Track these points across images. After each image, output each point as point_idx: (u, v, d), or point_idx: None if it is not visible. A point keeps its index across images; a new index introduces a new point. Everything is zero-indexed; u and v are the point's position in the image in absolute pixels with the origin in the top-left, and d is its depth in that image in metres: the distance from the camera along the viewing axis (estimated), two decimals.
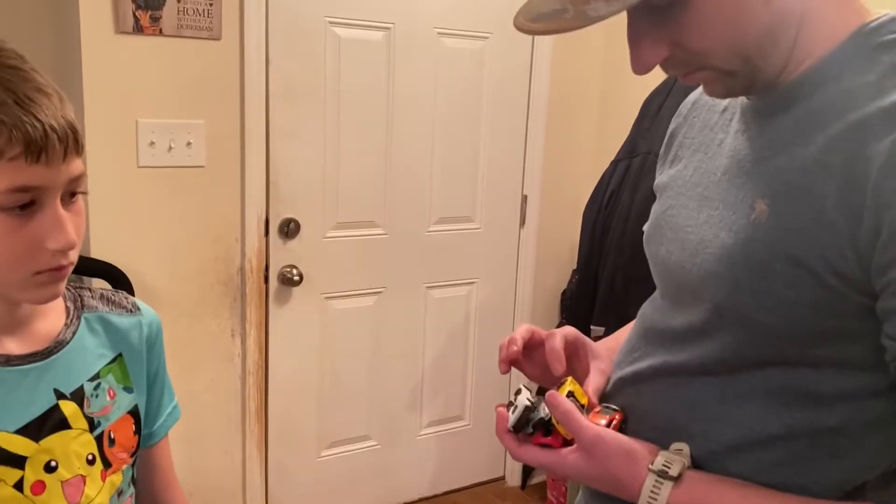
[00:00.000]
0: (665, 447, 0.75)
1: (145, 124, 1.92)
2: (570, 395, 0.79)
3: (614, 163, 2.28)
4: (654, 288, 1.04)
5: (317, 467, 2.38)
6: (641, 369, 0.80)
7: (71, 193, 0.72)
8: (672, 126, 0.92)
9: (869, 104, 0.62)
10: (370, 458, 2.48)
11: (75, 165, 0.71)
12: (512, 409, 0.78)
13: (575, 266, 2.51)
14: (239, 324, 2.15)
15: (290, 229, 2.17)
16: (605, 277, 2.23)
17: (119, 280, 1.87)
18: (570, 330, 0.91)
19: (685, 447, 0.74)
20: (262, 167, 2.09)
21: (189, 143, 1.98)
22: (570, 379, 0.82)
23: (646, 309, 0.87)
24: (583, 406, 0.79)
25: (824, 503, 0.65)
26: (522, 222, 2.62)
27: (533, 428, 0.78)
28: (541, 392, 0.83)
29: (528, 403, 0.77)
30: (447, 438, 2.63)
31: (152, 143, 1.94)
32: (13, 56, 0.70)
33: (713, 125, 0.82)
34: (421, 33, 2.28)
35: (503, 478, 2.79)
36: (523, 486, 2.77)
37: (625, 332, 0.95)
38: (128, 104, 1.89)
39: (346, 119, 2.21)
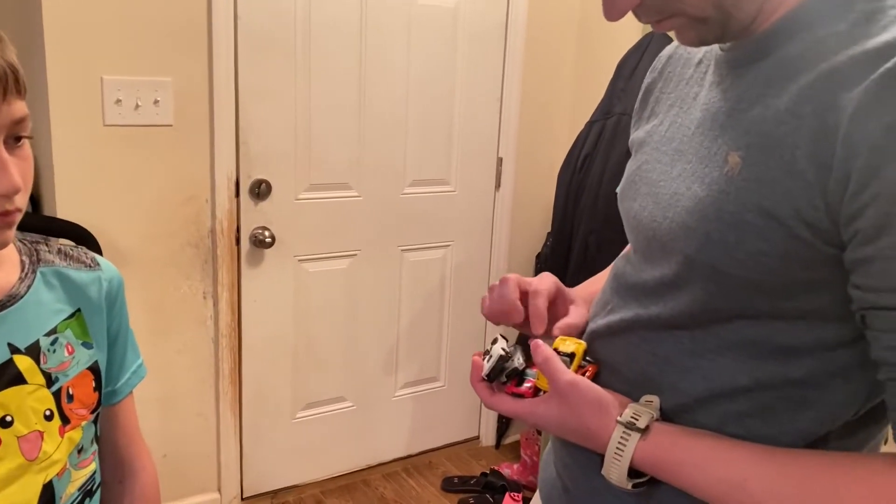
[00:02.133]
0: (636, 399, 0.74)
1: (111, 81, 1.85)
2: (556, 350, 0.78)
3: (589, 124, 2.26)
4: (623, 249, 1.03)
5: (292, 429, 2.38)
6: (613, 322, 0.80)
7: (16, 138, 0.69)
8: (647, 81, 0.90)
9: (840, 53, 0.61)
10: (346, 420, 2.48)
11: (17, 107, 0.68)
12: (487, 358, 0.77)
13: (550, 229, 2.50)
14: (211, 286, 2.11)
15: (261, 190, 2.13)
16: (579, 239, 2.23)
17: (87, 241, 1.83)
18: (550, 283, 0.89)
19: (655, 399, 0.73)
20: (231, 126, 2.03)
21: (156, 101, 1.92)
22: (561, 338, 0.81)
23: (619, 263, 0.86)
24: (567, 357, 0.78)
25: (790, 452, 0.65)
26: (498, 185, 2.60)
27: (507, 377, 0.77)
28: (519, 341, 0.82)
29: (502, 353, 0.76)
30: (423, 399, 2.64)
31: (118, 101, 1.88)
32: None
33: (688, 79, 0.81)
34: None
35: (478, 437, 2.81)
36: (497, 445, 2.79)
37: (601, 279, 0.94)
38: (92, 61, 1.83)
39: (318, 78, 2.16)
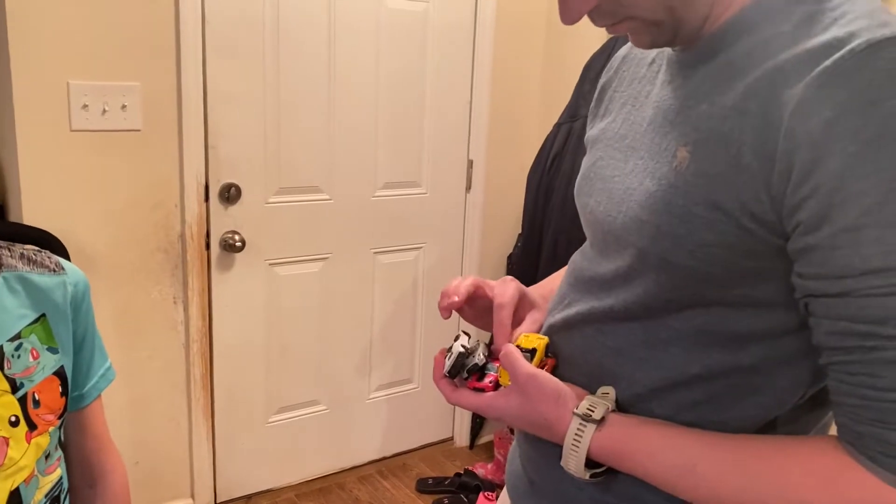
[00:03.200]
0: (593, 390, 0.76)
1: (77, 86, 1.84)
2: (518, 346, 0.80)
3: (556, 126, 2.29)
4: None
5: (265, 433, 2.37)
6: (570, 316, 0.82)
7: None
8: (602, 80, 0.93)
9: (784, 52, 0.64)
10: (319, 423, 2.48)
11: None
12: (448, 355, 0.79)
13: (520, 230, 2.53)
14: (181, 291, 2.10)
15: (230, 194, 2.13)
16: (549, 240, 2.26)
17: (54, 247, 1.81)
18: (513, 292, 0.90)
19: (611, 391, 0.76)
20: (200, 130, 2.03)
21: (124, 106, 1.91)
22: (524, 334, 0.83)
23: (576, 258, 0.88)
24: (528, 353, 0.79)
25: (739, 437, 0.67)
26: (469, 187, 2.62)
27: (467, 373, 0.79)
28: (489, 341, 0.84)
29: (461, 349, 0.78)
30: (396, 401, 2.65)
31: (85, 106, 1.86)
32: None
33: (641, 77, 0.83)
34: None
35: (452, 438, 2.83)
36: (471, 445, 2.81)
37: (558, 277, 0.96)
38: (58, 65, 1.81)
39: (287, 82, 2.16)
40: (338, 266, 2.40)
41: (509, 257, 2.70)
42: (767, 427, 0.70)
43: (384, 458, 2.66)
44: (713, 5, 0.70)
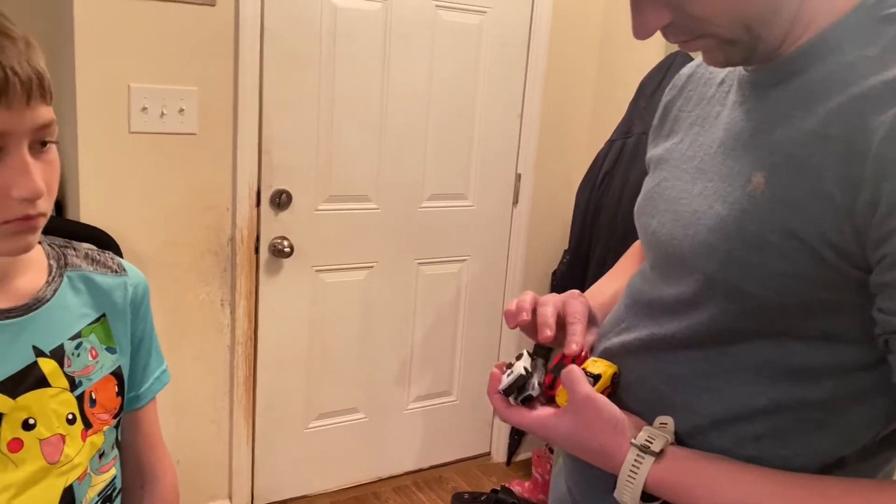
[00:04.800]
0: (650, 419, 0.74)
1: (138, 89, 1.88)
2: (585, 369, 0.78)
3: (609, 143, 2.26)
4: None
5: (304, 438, 2.38)
6: (628, 341, 0.79)
7: (42, 143, 0.70)
8: (666, 99, 0.91)
9: (871, 77, 0.61)
10: (357, 431, 2.48)
11: (42, 112, 0.68)
12: (508, 372, 0.77)
13: (567, 246, 2.50)
14: (229, 294, 2.13)
15: (281, 200, 2.15)
16: (596, 257, 2.22)
17: (108, 246, 1.85)
18: (563, 296, 0.89)
19: (670, 421, 0.73)
20: (254, 136, 2.06)
21: (181, 110, 1.95)
22: (593, 359, 0.81)
23: (634, 280, 0.86)
24: (592, 378, 0.77)
25: (803, 476, 0.64)
26: (515, 201, 2.60)
27: (523, 400, 0.77)
28: (538, 353, 0.82)
29: (523, 372, 0.76)
30: (434, 413, 2.64)
31: (144, 109, 1.90)
32: None
33: (710, 98, 0.81)
34: (418, 5, 2.24)
35: (489, 454, 2.80)
36: (508, 462, 2.78)
37: (610, 284, 0.94)
38: (120, 69, 1.86)
39: (341, 91, 2.18)
40: (382, 275, 2.40)
41: (554, 273, 2.67)
42: (834, 466, 0.67)
43: (420, 470, 2.65)
44: (792, 25, 0.68)
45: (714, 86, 0.81)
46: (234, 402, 2.20)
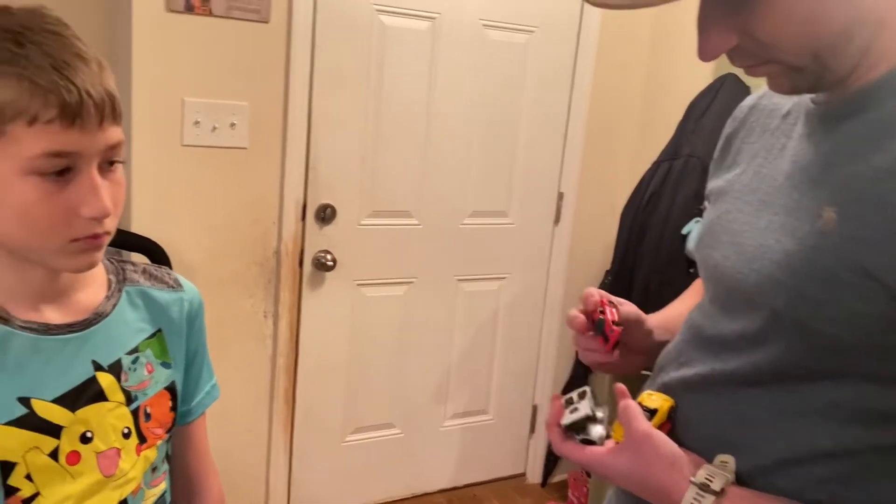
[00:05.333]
0: (710, 458, 0.72)
1: (191, 103, 1.91)
2: (640, 404, 0.76)
3: (655, 164, 2.24)
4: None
5: (341, 452, 2.38)
6: (688, 376, 0.77)
7: (110, 162, 0.71)
8: (728, 130, 0.89)
9: None
10: (393, 447, 2.47)
11: (112, 133, 0.70)
12: (571, 408, 0.76)
13: (608, 267, 2.47)
14: (272, 305, 2.14)
15: (326, 215, 2.16)
16: (640, 279, 2.19)
17: (158, 256, 1.87)
18: (634, 309, 0.90)
19: (731, 460, 0.71)
20: (302, 152, 2.08)
21: (233, 125, 1.98)
22: (648, 392, 0.79)
23: (693, 314, 0.84)
24: (649, 412, 0.75)
25: None
26: (557, 220, 2.58)
27: (582, 441, 0.75)
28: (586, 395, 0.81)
29: (589, 413, 0.75)
30: (470, 431, 2.61)
31: (197, 123, 1.94)
32: (55, 22, 0.69)
33: (774, 129, 0.79)
34: (466, 24, 2.25)
35: (524, 474, 2.76)
36: (544, 483, 2.74)
37: (674, 312, 0.93)
38: (175, 83, 1.89)
39: (387, 108, 2.19)
40: (422, 291, 2.40)
41: None
42: None
43: (455, 488, 2.63)
44: (863, 57, 0.65)
45: (778, 117, 0.79)
46: (273, 413, 2.21)
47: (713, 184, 0.87)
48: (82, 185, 0.68)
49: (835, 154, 0.68)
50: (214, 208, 2.00)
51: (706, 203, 0.89)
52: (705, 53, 0.68)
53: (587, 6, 2.41)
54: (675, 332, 0.89)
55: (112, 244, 1.87)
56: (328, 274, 2.21)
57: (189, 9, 1.86)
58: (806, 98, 0.74)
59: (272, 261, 2.11)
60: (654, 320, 0.93)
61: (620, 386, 0.75)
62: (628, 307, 0.89)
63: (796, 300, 0.65)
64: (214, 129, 1.96)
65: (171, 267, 1.90)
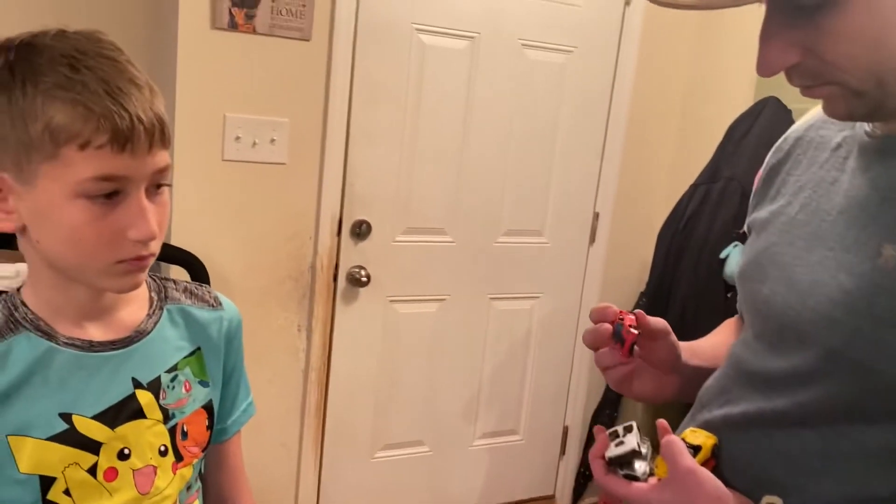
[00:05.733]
0: (757, 498, 0.69)
1: (233, 119, 1.94)
2: (684, 440, 0.74)
3: (693, 186, 2.20)
4: (724, 318, 0.97)
5: (370, 468, 2.37)
6: (734, 415, 0.75)
7: (156, 185, 0.72)
8: (771, 161, 0.86)
9: None
10: (422, 464, 2.45)
11: (161, 157, 0.70)
12: (616, 441, 0.74)
13: (643, 288, 2.43)
14: (306, 319, 2.15)
15: (361, 230, 2.16)
16: (677, 303, 2.15)
17: (196, 268, 1.89)
18: (663, 324, 0.85)
19: (778, 501, 0.68)
20: (339, 168, 2.08)
21: (273, 140, 1.99)
22: (692, 429, 0.77)
23: (737, 349, 0.81)
24: (693, 449, 0.73)
25: None
26: (592, 240, 2.55)
27: (626, 476, 0.73)
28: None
29: (635, 447, 0.73)
30: (500, 451, 2.58)
31: (238, 138, 1.96)
32: (110, 47, 0.70)
33: (823, 162, 0.76)
34: (505, 44, 2.24)
35: (553, 496, 2.72)
36: None
37: (704, 343, 0.90)
38: (217, 98, 1.92)
39: (425, 125, 2.19)
40: (454, 308, 2.38)
41: None
42: None
43: None
44: None
45: (828, 150, 0.77)
46: (304, 426, 2.20)
47: (756, 214, 0.84)
48: (130, 208, 0.69)
49: (892, 189, 0.65)
50: (252, 222, 2.02)
51: (747, 233, 0.87)
52: (764, 68, 0.65)
53: (626, 27, 2.39)
54: (703, 359, 0.87)
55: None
56: (362, 289, 2.21)
57: (233, 26, 1.89)
58: (859, 131, 0.72)
59: (307, 275, 2.12)
60: (682, 343, 0.90)
61: (662, 422, 0.73)
62: (654, 319, 0.85)
63: (854, 339, 0.63)
64: (255, 144, 1.97)
65: (208, 280, 1.92)
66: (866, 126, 0.71)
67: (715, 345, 0.92)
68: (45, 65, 0.66)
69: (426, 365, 2.38)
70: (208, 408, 0.84)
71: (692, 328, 2.21)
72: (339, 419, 2.27)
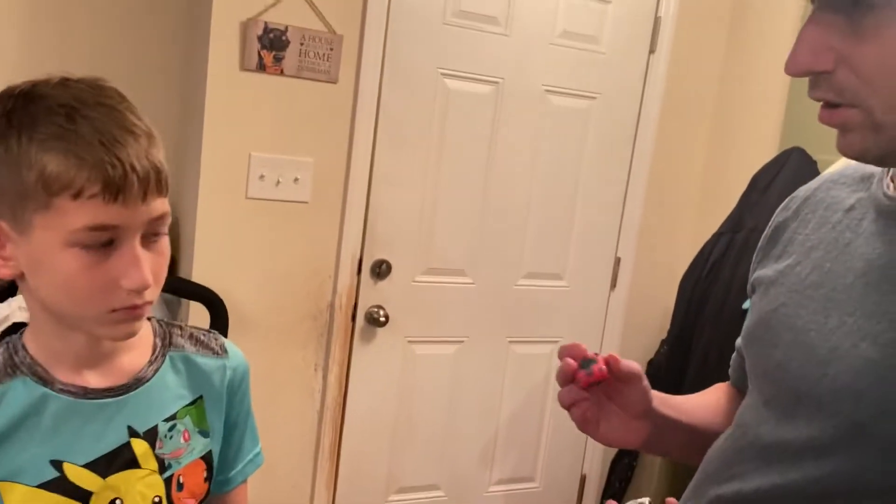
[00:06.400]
0: None
1: (258, 158, 1.92)
2: None
3: (717, 235, 2.13)
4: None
5: None
6: (746, 491, 0.68)
7: (153, 233, 0.69)
8: (778, 219, 0.81)
9: None
10: None
11: (156, 206, 0.68)
12: None
13: (665, 336, 2.35)
14: (323, 359, 2.10)
15: (381, 270, 2.12)
16: (698, 351, 2.07)
17: (216, 306, 1.86)
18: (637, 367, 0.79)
19: None
20: (362, 208, 2.06)
21: (296, 179, 1.98)
22: None
23: (745, 417, 0.75)
24: None
25: None
26: (613, 285, 2.48)
27: None
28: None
29: None
30: (516, 498, 2.48)
31: (262, 177, 1.94)
32: (111, 95, 0.68)
33: (835, 223, 0.71)
34: (529, 89, 2.22)
35: None
36: None
37: (680, 398, 0.85)
38: (243, 138, 1.91)
39: (447, 168, 2.16)
40: (473, 351, 2.32)
41: (650, 362, 2.50)
42: None
43: None
44: None
45: (840, 211, 0.71)
46: (317, 468, 2.14)
47: (761, 273, 0.79)
48: (124, 257, 0.67)
49: None
50: (273, 260, 1.99)
51: (751, 292, 0.81)
52: (792, 66, 0.60)
53: (651, 74, 2.36)
54: (676, 411, 0.81)
55: (171, 292, 1.84)
56: (380, 329, 2.16)
57: (262, 68, 1.89)
58: (876, 192, 0.67)
59: (325, 314, 2.08)
60: (656, 392, 0.84)
61: (671, 500, 0.67)
62: (627, 361, 0.80)
63: (882, 413, 0.58)
64: (279, 183, 1.96)
65: (227, 317, 1.89)
66: (884, 188, 0.66)
67: (693, 402, 0.88)
68: (42, 114, 0.65)
69: (443, 407, 2.31)
70: (207, 459, 0.79)
71: (714, 377, 2.11)
72: (352, 461, 2.20)
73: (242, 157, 1.91)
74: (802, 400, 0.65)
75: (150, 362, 0.77)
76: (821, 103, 0.62)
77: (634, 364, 0.78)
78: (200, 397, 0.80)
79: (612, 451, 2.51)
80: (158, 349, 0.78)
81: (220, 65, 1.85)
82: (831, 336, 0.64)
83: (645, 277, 2.49)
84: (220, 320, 1.85)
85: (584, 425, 0.80)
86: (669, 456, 0.92)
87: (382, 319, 2.13)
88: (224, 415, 0.82)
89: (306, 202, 2.00)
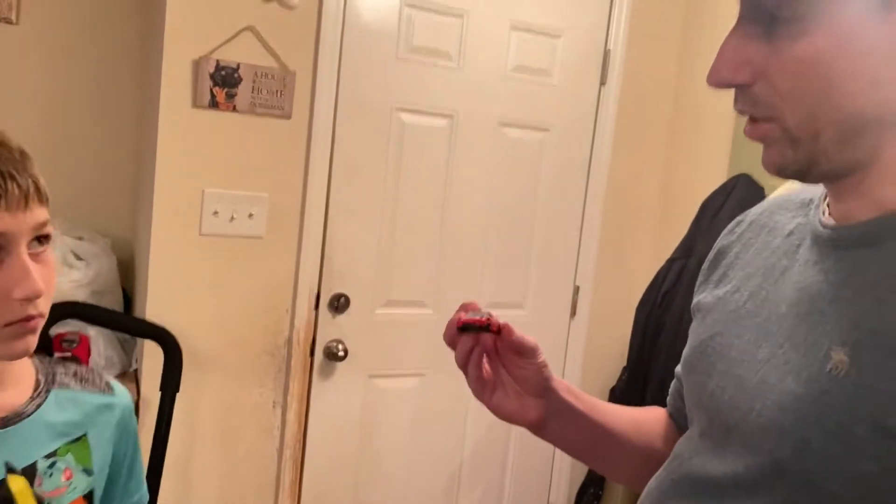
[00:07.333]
0: None
1: (211, 194, 1.87)
2: None
3: (670, 261, 2.10)
4: None
5: None
6: None
7: (39, 241, 0.67)
8: (721, 243, 0.76)
9: None
10: None
11: (39, 213, 0.67)
12: None
13: (626, 363, 2.29)
14: (281, 395, 2.01)
15: (339, 304, 2.06)
16: (655, 378, 2.01)
17: (169, 343, 1.77)
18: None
19: None
20: (318, 242, 2.00)
21: (251, 215, 1.92)
22: None
23: (682, 447, 0.69)
24: None
25: None
26: (573, 313, 2.43)
27: None
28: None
29: None
30: None
31: (216, 213, 1.88)
32: None
33: (774, 248, 0.67)
34: (483, 122, 2.19)
35: None
36: None
37: (598, 401, 0.82)
38: (196, 174, 1.85)
39: (404, 200, 2.12)
40: (434, 384, 2.24)
41: (612, 390, 2.44)
42: None
43: None
44: (869, 160, 0.53)
45: (781, 236, 0.67)
46: None
47: (700, 298, 0.74)
48: (13, 268, 0.64)
49: (845, 286, 0.55)
50: (229, 296, 1.92)
51: (693, 317, 0.76)
52: (714, 78, 0.57)
53: (602, 105, 2.34)
54: (582, 403, 0.80)
55: (125, 331, 1.75)
56: (339, 364, 2.08)
57: (214, 105, 1.84)
58: (813, 220, 0.62)
59: (283, 350, 2.00)
60: (565, 382, 0.83)
61: None
62: (523, 334, 0.80)
63: (803, 452, 0.52)
64: (233, 218, 1.90)
65: (181, 356, 1.80)
66: (820, 214, 0.62)
67: (612, 406, 0.84)
68: None
69: (406, 442, 2.22)
70: (89, 497, 0.72)
71: None
72: (315, 499, 2.10)
73: (196, 194, 1.86)
74: (733, 433, 0.60)
75: (32, 398, 0.70)
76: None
77: (530, 337, 0.78)
78: (84, 435, 0.73)
79: (578, 481, 2.43)
80: (42, 385, 0.72)
81: (172, 102, 1.81)
82: (760, 368, 0.59)
83: (604, 305, 2.44)
84: (173, 358, 1.76)
85: (479, 390, 0.80)
86: (576, 455, 0.89)
87: (342, 354, 2.06)
88: (111, 453, 0.75)
89: (261, 237, 1.94)
